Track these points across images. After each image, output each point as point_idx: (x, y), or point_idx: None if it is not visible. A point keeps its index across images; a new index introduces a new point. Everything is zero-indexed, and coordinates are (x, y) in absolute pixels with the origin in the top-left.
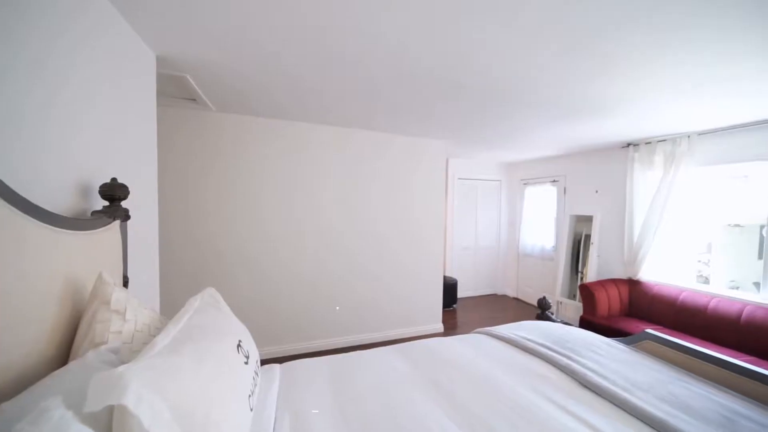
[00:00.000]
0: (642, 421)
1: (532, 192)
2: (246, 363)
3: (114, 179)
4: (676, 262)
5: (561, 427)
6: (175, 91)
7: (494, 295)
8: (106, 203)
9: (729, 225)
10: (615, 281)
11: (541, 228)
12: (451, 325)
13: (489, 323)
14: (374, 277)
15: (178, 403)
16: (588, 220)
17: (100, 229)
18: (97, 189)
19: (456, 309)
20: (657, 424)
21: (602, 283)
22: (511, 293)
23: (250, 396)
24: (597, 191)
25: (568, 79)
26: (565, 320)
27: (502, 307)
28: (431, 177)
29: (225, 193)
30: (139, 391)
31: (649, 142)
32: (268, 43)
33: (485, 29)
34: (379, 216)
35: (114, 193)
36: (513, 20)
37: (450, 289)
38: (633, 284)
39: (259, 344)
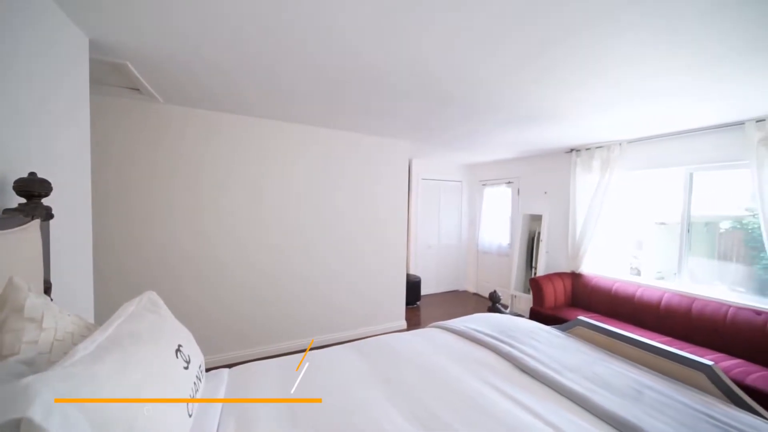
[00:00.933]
0: (568, 398)
1: (490, 192)
2: (186, 368)
3: (32, 173)
4: (613, 256)
5: (498, 409)
6: (116, 79)
7: (456, 291)
8: (23, 200)
9: (656, 223)
10: (560, 275)
11: (498, 226)
12: (414, 322)
13: (449, 318)
14: (339, 276)
15: (99, 413)
16: (539, 219)
17: (15, 228)
18: (12, 184)
19: (419, 306)
20: (580, 400)
21: (549, 277)
22: (472, 289)
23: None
24: (546, 192)
25: (518, 87)
26: (519, 312)
27: (463, 303)
28: (395, 176)
29: (179, 192)
30: (49, 402)
31: (589, 149)
32: (215, 34)
33: (435, 35)
34: (344, 215)
35: (32, 189)
36: (462, 31)
37: (414, 286)
38: (576, 277)
39: (215, 350)
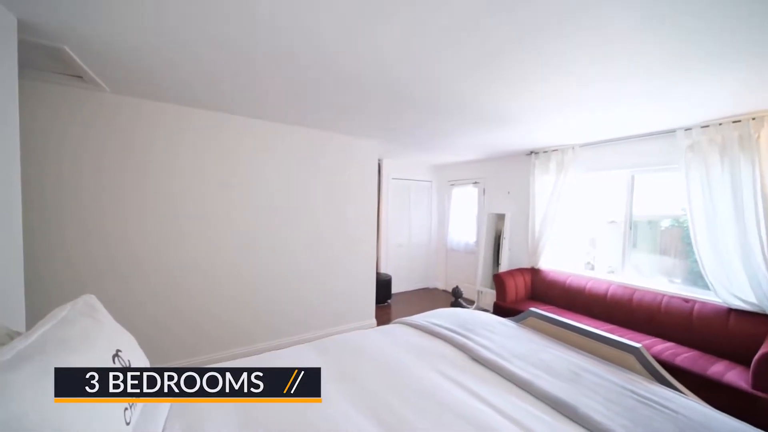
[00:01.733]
0: (515, 384)
1: (458, 192)
2: None
3: None
4: (569, 252)
5: (451, 398)
6: (55, 65)
7: (426, 289)
8: None
9: (607, 221)
10: (521, 270)
11: (465, 225)
12: (384, 320)
13: None
14: (310, 276)
15: (15, 425)
16: (503, 217)
17: None
18: None
19: (390, 304)
20: (525, 385)
21: (511, 273)
22: (441, 286)
23: (126, 409)
24: (509, 192)
25: (481, 91)
26: (484, 307)
27: (433, 299)
28: (365, 176)
29: (129, 188)
30: None
31: (546, 151)
32: (162, 21)
33: (394, 34)
34: (315, 214)
35: None
36: (418, 30)
37: (384, 285)
38: (535, 272)
39: (181, 355)
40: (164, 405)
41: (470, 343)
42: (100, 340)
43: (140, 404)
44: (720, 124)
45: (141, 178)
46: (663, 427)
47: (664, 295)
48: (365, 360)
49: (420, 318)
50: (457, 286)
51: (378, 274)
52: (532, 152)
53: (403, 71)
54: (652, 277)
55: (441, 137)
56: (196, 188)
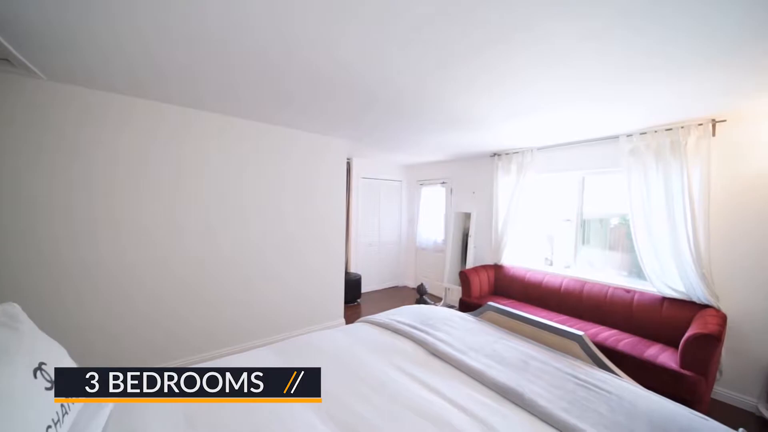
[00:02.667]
0: (469, 375)
1: (426, 192)
2: (49, 388)
3: None
4: (529, 249)
5: (406, 391)
6: None
7: (396, 287)
8: None
9: (564, 220)
10: (485, 267)
11: (434, 224)
12: (353, 320)
13: None
14: (278, 277)
15: None
16: (470, 216)
17: None
18: None
19: (360, 303)
20: (477, 375)
21: (476, 269)
22: (411, 284)
23: (50, 427)
24: (474, 192)
25: (442, 94)
26: (452, 303)
27: (402, 297)
28: (333, 174)
29: (77, 185)
30: None
31: (508, 154)
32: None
33: (355, 32)
34: (282, 214)
35: None
36: (378, 29)
37: (354, 284)
38: (498, 268)
39: (137, 361)
40: (101, 419)
41: (429, 338)
42: (20, 352)
43: (68, 420)
44: (655, 132)
45: (93, 174)
46: (597, 407)
47: (609, 287)
48: (323, 359)
49: (383, 316)
50: (422, 284)
51: (347, 273)
52: (495, 154)
53: (366, 71)
54: (603, 271)
55: (408, 137)
56: (152, 187)
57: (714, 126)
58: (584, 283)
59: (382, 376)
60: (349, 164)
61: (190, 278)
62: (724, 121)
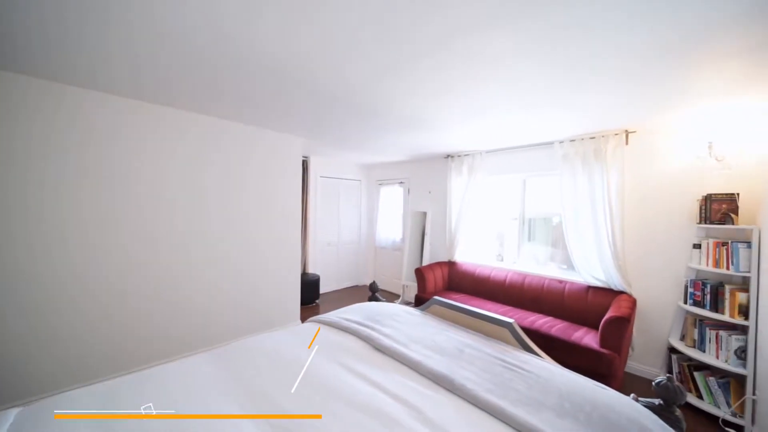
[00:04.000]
0: (409, 367)
1: (385, 191)
2: None
3: None
4: (481, 246)
5: (346, 387)
6: None
7: (356, 287)
8: None
9: (511, 218)
10: (440, 263)
11: (392, 223)
12: None
13: None
14: (236, 278)
15: None
16: (426, 215)
17: None
18: None
19: (318, 304)
20: (416, 366)
21: (431, 266)
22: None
23: None
24: (429, 192)
25: (394, 95)
26: (409, 300)
27: (362, 297)
28: (288, 173)
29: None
30: None
31: (460, 155)
32: None
33: (311, 31)
34: (233, 213)
35: None
36: (332, 29)
37: (312, 285)
38: (451, 265)
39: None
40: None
41: (374, 334)
42: None
43: None
44: (582, 139)
45: (30, 171)
46: (518, 386)
47: (545, 279)
48: (261, 362)
49: (332, 315)
50: (374, 282)
51: (305, 274)
52: (448, 156)
53: (320, 69)
54: (546, 265)
55: (366, 137)
56: (95, 183)
57: (627, 136)
58: (525, 276)
59: (324, 374)
60: (306, 162)
61: (146, 279)
62: (635, 132)
